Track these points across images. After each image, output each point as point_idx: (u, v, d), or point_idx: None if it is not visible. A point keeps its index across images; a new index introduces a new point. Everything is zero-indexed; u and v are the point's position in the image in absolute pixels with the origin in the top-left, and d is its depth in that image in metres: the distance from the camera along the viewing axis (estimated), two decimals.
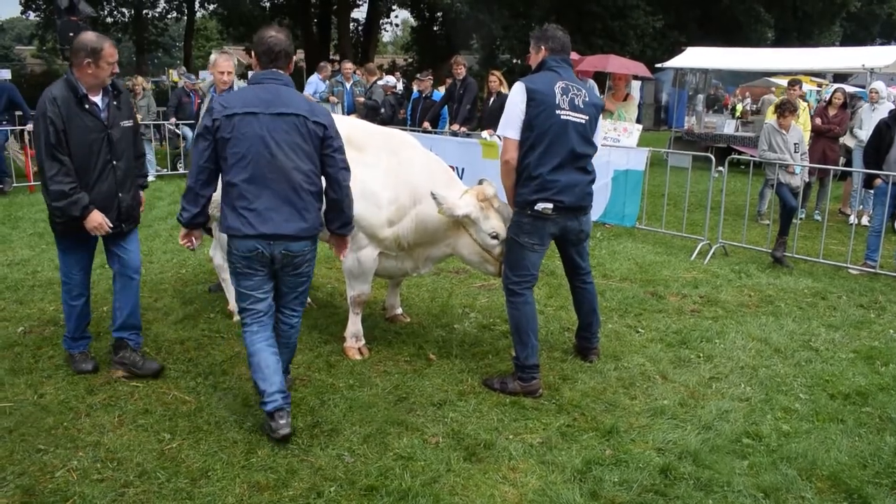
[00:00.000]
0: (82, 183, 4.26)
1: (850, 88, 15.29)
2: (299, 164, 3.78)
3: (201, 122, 3.69)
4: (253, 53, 3.79)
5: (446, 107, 11.71)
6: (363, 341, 5.07)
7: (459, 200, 4.60)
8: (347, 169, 3.99)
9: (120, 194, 4.44)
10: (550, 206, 4.31)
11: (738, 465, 3.71)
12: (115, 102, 4.40)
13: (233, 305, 5.67)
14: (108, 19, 31.35)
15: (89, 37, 4.28)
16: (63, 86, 4.22)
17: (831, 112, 10.49)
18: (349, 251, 4.49)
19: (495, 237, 4.64)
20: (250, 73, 3.85)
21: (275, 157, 3.72)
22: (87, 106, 4.24)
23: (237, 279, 3.90)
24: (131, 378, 4.54)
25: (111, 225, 4.37)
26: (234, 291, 3.99)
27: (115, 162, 4.39)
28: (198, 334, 5.33)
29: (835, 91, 10.97)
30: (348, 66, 13.74)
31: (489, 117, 10.27)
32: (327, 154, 3.90)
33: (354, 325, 5.02)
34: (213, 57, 6.14)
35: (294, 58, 3.84)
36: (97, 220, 4.31)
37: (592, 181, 4.55)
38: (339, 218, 4.08)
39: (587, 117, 4.43)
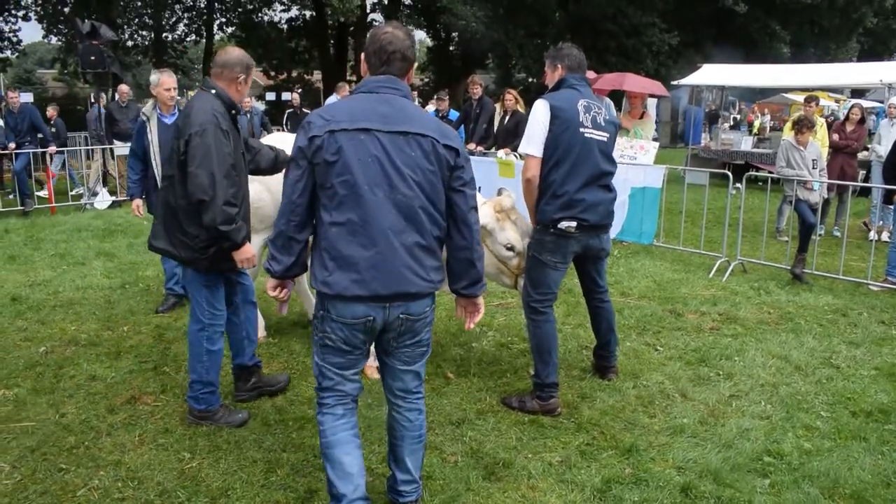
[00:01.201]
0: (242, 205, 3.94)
1: (867, 104, 15.23)
2: (424, 199, 2.92)
3: (294, 143, 2.94)
4: (363, 55, 3.05)
5: (462, 126, 11.78)
6: None
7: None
8: (476, 209, 3.12)
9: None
10: (574, 224, 4.31)
11: (759, 484, 3.68)
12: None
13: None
14: (129, 42, 31.79)
15: (240, 52, 4.09)
16: (216, 100, 3.89)
17: (849, 128, 10.44)
18: None
19: (510, 249, 4.65)
20: (362, 80, 3.07)
21: (395, 190, 2.86)
22: (236, 123, 4.00)
23: (322, 352, 3.06)
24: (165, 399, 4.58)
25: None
26: (315, 365, 3.13)
27: (247, 183, 4.12)
28: None
29: (852, 107, 10.93)
30: None
31: (505, 135, 10.32)
32: (456, 189, 3.02)
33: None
34: (154, 77, 6.19)
35: (415, 65, 3.12)
36: (251, 252, 3.94)
37: (614, 199, 4.56)
38: (467, 274, 3.12)
39: (608, 135, 4.44)
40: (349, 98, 3.02)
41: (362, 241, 2.86)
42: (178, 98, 6.35)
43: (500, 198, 4.77)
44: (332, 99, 14.52)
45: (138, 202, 6.26)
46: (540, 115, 4.32)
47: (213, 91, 3.94)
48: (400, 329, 3.01)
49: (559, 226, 4.32)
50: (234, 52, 4.09)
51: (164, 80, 6.07)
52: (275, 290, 3.20)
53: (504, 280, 4.83)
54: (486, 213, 4.62)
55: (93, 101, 13.15)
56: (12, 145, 11.46)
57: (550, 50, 4.69)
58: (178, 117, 4.02)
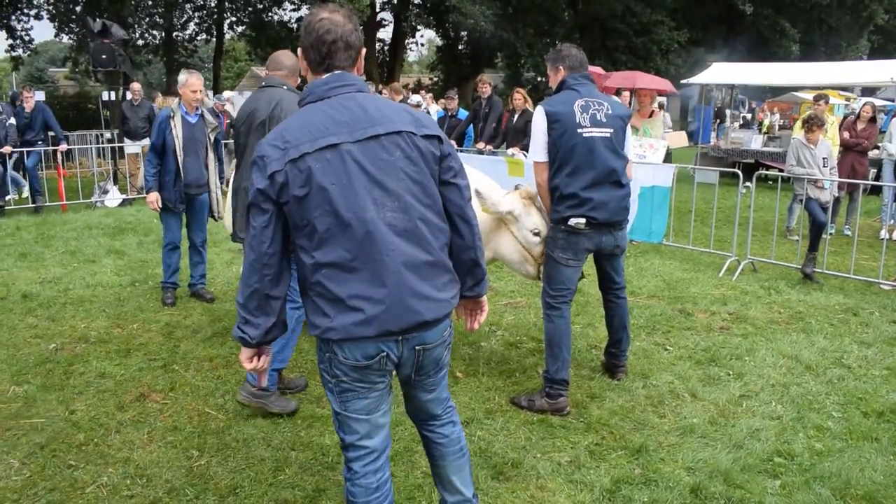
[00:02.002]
0: None
1: (878, 102, 15.14)
2: (420, 207, 2.49)
3: (251, 185, 2.44)
4: (300, 51, 2.59)
5: (472, 125, 11.79)
6: None
7: (503, 198, 4.72)
8: (470, 199, 2.74)
9: None
10: (583, 221, 4.34)
11: (770, 485, 3.66)
12: None
13: None
14: (140, 41, 31.86)
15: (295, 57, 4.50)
16: (294, 95, 4.27)
17: (860, 126, 10.37)
18: None
19: (537, 234, 4.70)
20: (305, 88, 2.61)
21: (384, 207, 2.43)
22: None
23: (339, 400, 2.59)
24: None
25: None
26: (334, 417, 2.67)
27: None
28: (226, 352, 5.37)
29: (864, 105, 10.86)
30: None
31: (514, 134, 10.31)
32: (447, 181, 2.62)
33: None
34: (183, 76, 6.34)
35: (364, 51, 2.64)
36: None
37: (627, 195, 4.55)
38: (471, 274, 2.76)
39: (612, 129, 4.43)
40: (298, 115, 2.52)
41: (361, 276, 2.41)
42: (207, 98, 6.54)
43: (526, 186, 4.88)
44: None
45: (157, 195, 6.32)
46: (538, 122, 4.42)
47: (285, 87, 4.34)
48: (419, 362, 2.61)
49: (569, 222, 4.37)
50: (294, 56, 4.41)
51: (191, 82, 6.26)
52: (251, 360, 2.63)
53: (528, 269, 4.85)
54: (512, 200, 4.73)
55: (126, 97, 13.08)
56: (7, 148, 11.36)
57: (551, 52, 4.73)
58: (256, 107, 4.30)
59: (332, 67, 2.52)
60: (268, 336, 2.56)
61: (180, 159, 6.26)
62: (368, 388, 2.55)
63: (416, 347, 2.56)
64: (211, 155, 6.47)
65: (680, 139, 9.31)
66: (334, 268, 2.41)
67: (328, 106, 2.46)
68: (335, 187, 2.37)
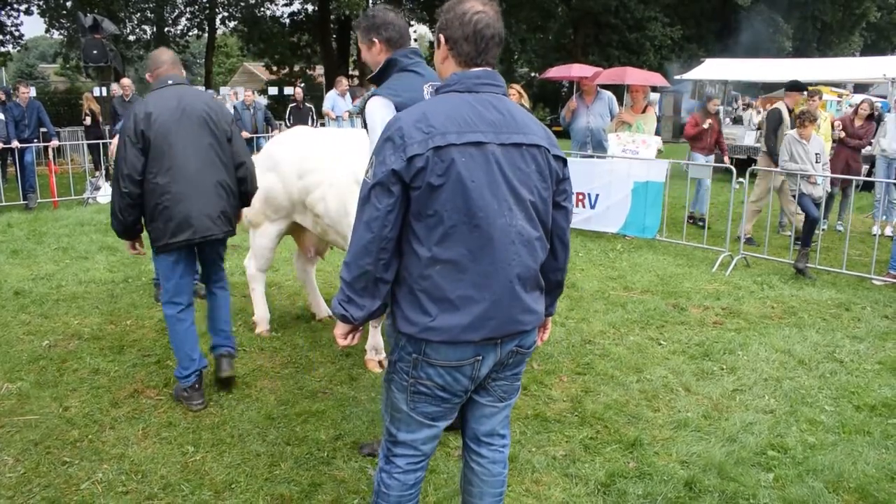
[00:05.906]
0: None
1: (871, 98, 15.19)
2: (539, 225, 2.46)
3: (375, 161, 2.34)
4: (442, 38, 2.46)
5: None
6: (384, 354, 5.07)
7: None
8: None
9: None
10: None
11: (763, 478, 3.68)
12: None
13: (257, 317, 5.68)
14: (131, 37, 31.72)
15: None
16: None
17: (857, 123, 10.37)
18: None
19: None
20: (451, 75, 2.46)
21: (514, 217, 2.36)
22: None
23: (410, 400, 2.51)
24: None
25: None
26: (392, 412, 2.60)
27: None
28: None
29: (861, 102, 10.87)
30: None
31: None
32: (559, 203, 2.55)
33: (374, 338, 5.02)
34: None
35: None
36: None
37: None
38: (552, 294, 2.73)
39: None
40: (443, 100, 2.40)
41: (474, 279, 2.34)
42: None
43: None
44: (333, 94, 14.45)
45: None
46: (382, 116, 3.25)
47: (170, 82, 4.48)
48: (507, 361, 2.53)
49: None
50: (167, 51, 4.72)
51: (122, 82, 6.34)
52: (346, 337, 2.55)
53: None
54: None
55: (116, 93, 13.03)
56: (15, 143, 11.39)
57: (360, 19, 3.64)
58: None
59: (485, 63, 2.44)
60: (371, 317, 2.47)
61: None
62: (447, 396, 2.48)
63: (513, 348, 2.50)
64: None
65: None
66: (451, 265, 2.33)
67: (476, 100, 2.37)
68: (474, 185, 2.29)
